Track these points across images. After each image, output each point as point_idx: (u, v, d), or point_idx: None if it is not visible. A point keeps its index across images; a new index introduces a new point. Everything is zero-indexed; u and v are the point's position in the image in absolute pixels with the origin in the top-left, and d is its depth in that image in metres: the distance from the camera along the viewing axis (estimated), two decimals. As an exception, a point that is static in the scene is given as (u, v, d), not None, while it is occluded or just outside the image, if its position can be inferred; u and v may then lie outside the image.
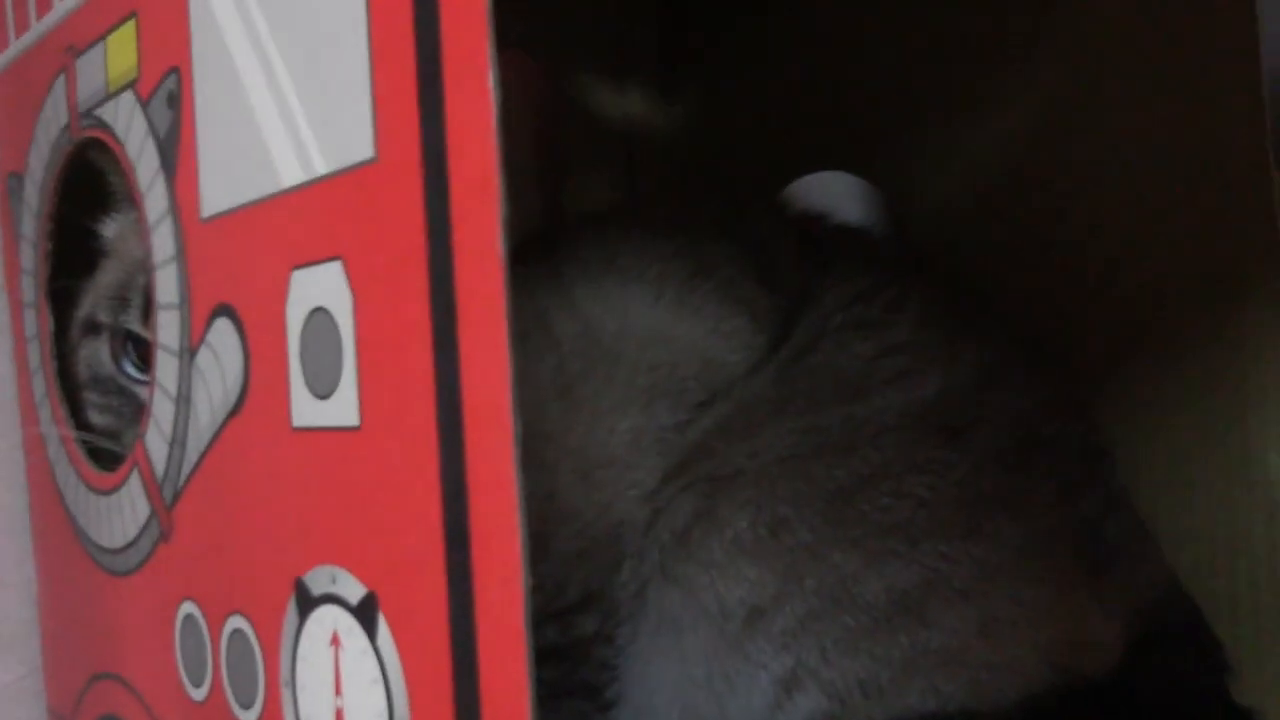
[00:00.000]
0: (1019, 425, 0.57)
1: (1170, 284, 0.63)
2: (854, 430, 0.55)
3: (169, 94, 0.46)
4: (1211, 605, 0.60)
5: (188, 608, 0.48)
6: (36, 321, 0.61)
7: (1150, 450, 0.64)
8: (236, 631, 0.44)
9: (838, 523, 0.52)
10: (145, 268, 0.50)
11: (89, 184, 0.58)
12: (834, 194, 0.82)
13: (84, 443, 0.58)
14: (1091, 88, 0.66)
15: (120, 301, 0.57)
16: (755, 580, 0.52)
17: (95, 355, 0.58)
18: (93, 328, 0.58)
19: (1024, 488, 0.55)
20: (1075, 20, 0.66)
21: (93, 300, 0.59)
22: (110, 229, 0.61)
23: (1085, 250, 0.67)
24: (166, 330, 0.48)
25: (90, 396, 0.58)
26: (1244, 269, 0.60)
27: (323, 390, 0.38)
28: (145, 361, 0.56)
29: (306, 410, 0.39)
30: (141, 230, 0.50)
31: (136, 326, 0.56)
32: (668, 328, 0.60)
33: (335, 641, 0.38)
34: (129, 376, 0.57)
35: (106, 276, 0.59)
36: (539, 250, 0.63)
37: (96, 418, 0.58)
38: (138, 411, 0.55)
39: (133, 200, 0.51)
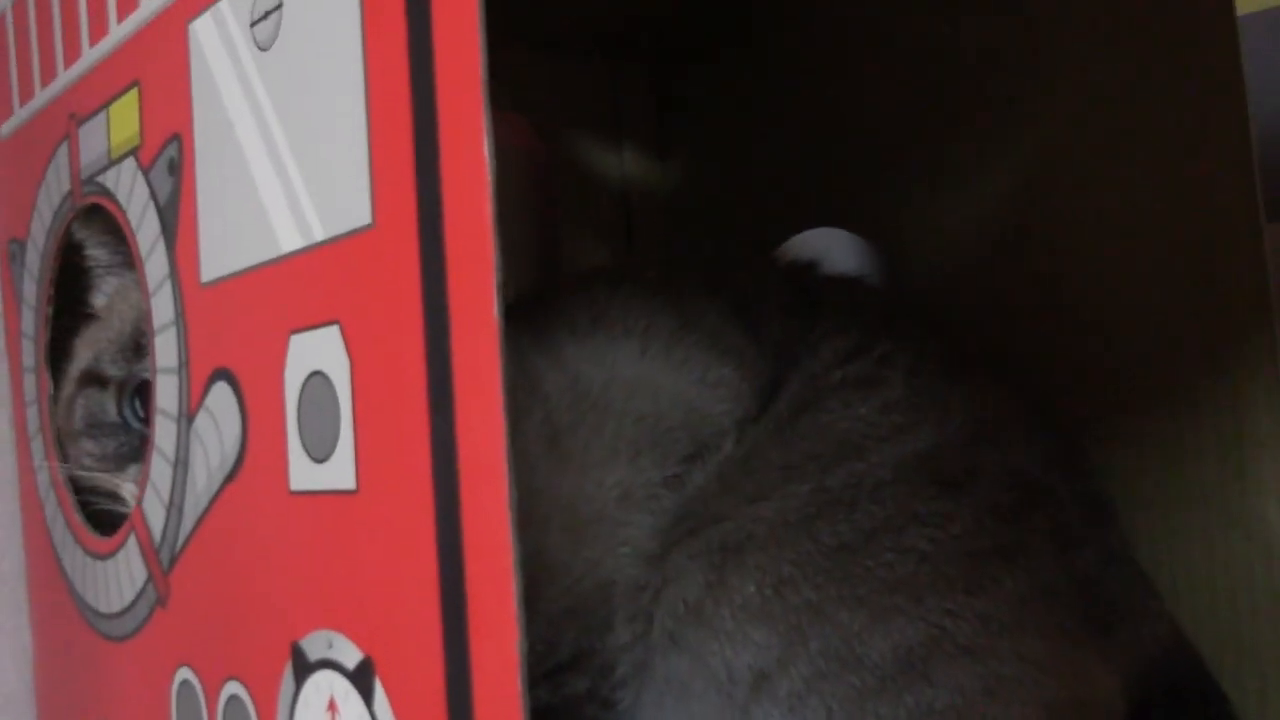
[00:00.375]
0: (1014, 478, 0.57)
1: (1163, 334, 0.63)
2: (855, 486, 0.55)
3: (170, 161, 0.47)
4: (1214, 656, 0.59)
5: (184, 673, 0.47)
6: (36, 386, 0.62)
7: (1147, 501, 0.64)
8: (233, 698, 0.44)
9: (842, 580, 0.52)
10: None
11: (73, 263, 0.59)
12: (829, 249, 0.83)
13: (82, 507, 0.58)
14: (1082, 141, 0.67)
15: (134, 351, 0.57)
16: (762, 643, 0.51)
17: (99, 405, 0.58)
18: (96, 380, 0.59)
19: (1023, 541, 0.55)
20: (1065, 74, 0.67)
21: (95, 354, 0.59)
22: (99, 299, 0.61)
23: (1078, 303, 0.67)
24: (165, 395, 0.48)
25: (86, 445, 0.58)
26: (1236, 319, 0.60)
27: (320, 454, 0.38)
28: (148, 411, 0.57)
29: (304, 474, 0.39)
30: (142, 289, 0.50)
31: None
32: (654, 378, 0.60)
33: (332, 707, 0.38)
34: (130, 427, 0.57)
35: (108, 332, 0.60)
36: (527, 310, 0.63)
37: (90, 464, 0.58)
38: (134, 451, 0.56)
39: (130, 263, 0.52)
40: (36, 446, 0.62)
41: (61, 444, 0.60)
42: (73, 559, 0.58)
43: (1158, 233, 0.63)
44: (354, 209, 0.37)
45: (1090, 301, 0.67)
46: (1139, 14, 0.63)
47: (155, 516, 0.49)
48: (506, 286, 0.32)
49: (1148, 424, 0.64)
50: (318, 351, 0.38)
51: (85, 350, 0.60)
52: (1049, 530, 0.56)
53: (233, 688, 0.44)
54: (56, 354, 0.61)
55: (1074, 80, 0.67)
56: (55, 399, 0.61)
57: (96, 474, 0.57)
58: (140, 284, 0.50)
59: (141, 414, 0.57)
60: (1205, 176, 0.61)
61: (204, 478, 0.45)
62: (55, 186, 0.58)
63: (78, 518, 0.58)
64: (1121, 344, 0.65)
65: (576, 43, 0.90)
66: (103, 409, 0.58)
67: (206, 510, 0.45)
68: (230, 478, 0.43)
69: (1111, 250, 0.66)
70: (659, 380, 0.60)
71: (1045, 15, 0.68)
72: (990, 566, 0.53)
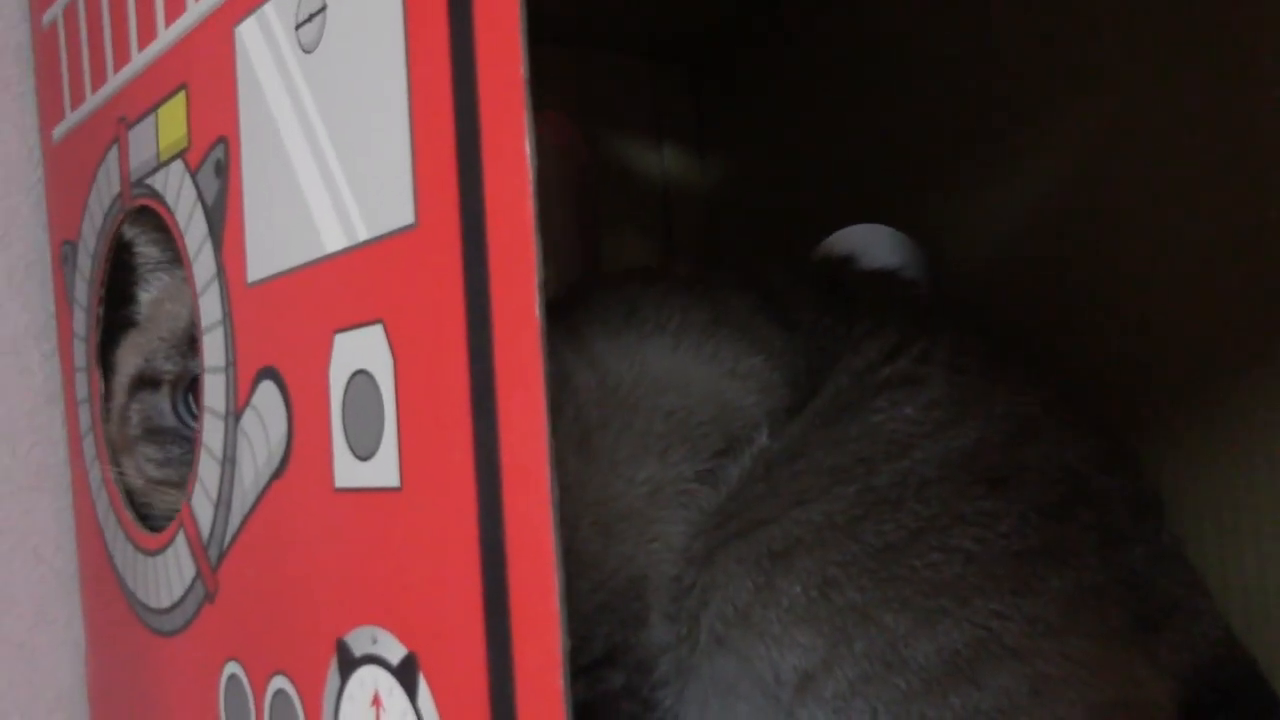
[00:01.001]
0: (1061, 476, 0.56)
1: (1209, 332, 0.62)
2: (900, 485, 0.54)
3: (217, 163, 0.48)
4: (1265, 657, 0.58)
5: (232, 668, 0.48)
6: (88, 385, 0.63)
7: (1198, 504, 0.63)
8: (279, 692, 0.44)
9: (887, 581, 0.51)
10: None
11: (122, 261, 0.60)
12: (872, 245, 0.82)
13: (132, 505, 0.59)
14: (1124, 139, 0.66)
15: (189, 344, 0.57)
16: (807, 645, 0.51)
17: (154, 408, 0.59)
18: (149, 382, 0.59)
19: (1070, 540, 0.54)
20: (1107, 70, 0.67)
21: (145, 355, 0.60)
22: (147, 294, 0.62)
23: (1119, 300, 0.66)
24: (213, 393, 0.49)
25: (146, 450, 0.59)
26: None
27: (364, 451, 0.39)
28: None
29: (348, 471, 0.40)
30: (190, 289, 0.51)
31: None
32: (684, 373, 0.60)
33: (376, 702, 0.38)
34: (188, 426, 0.58)
35: (159, 331, 0.60)
36: (559, 307, 0.63)
37: (154, 471, 0.58)
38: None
39: (177, 263, 0.52)
40: (88, 445, 0.63)
41: (116, 456, 0.61)
42: (123, 555, 0.59)
43: (1201, 230, 0.62)
44: (397, 209, 0.37)
45: (1132, 298, 0.66)
46: (1182, 9, 0.62)
47: (204, 513, 0.50)
48: (548, 284, 0.32)
49: (1195, 423, 0.63)
50: (362, 350, 0.39)
51: (131, 358, 0.61)
52: (1097, 528, 0.55)
53: (279, 682, 0.44)
54: (103, 367, 0.62)
55: (1116, 76, 0.66)
56: (107, 412, 0.61)
57: (164, 491, 0.57)
58: (189, 283, 0.51)
59: (195, 411, 0.58)
60: (1249, 175, 0.60)
61: (251, 475, 0.46)
62: (106, 189, 0.59)
63: (128, 515, 0.59)
64: (1167, 341, 0.64)
65: (617, 42, 0.90)
66: (159, 411, 0.59)
67: (253, 507, 0.46)
68: (276, 475, 0.44)
69: (1153, 247, 0.65)
70: (689, 374, 0.60)
71: (1085, 14, 0.67)
72: (1038, 566, 0.53)
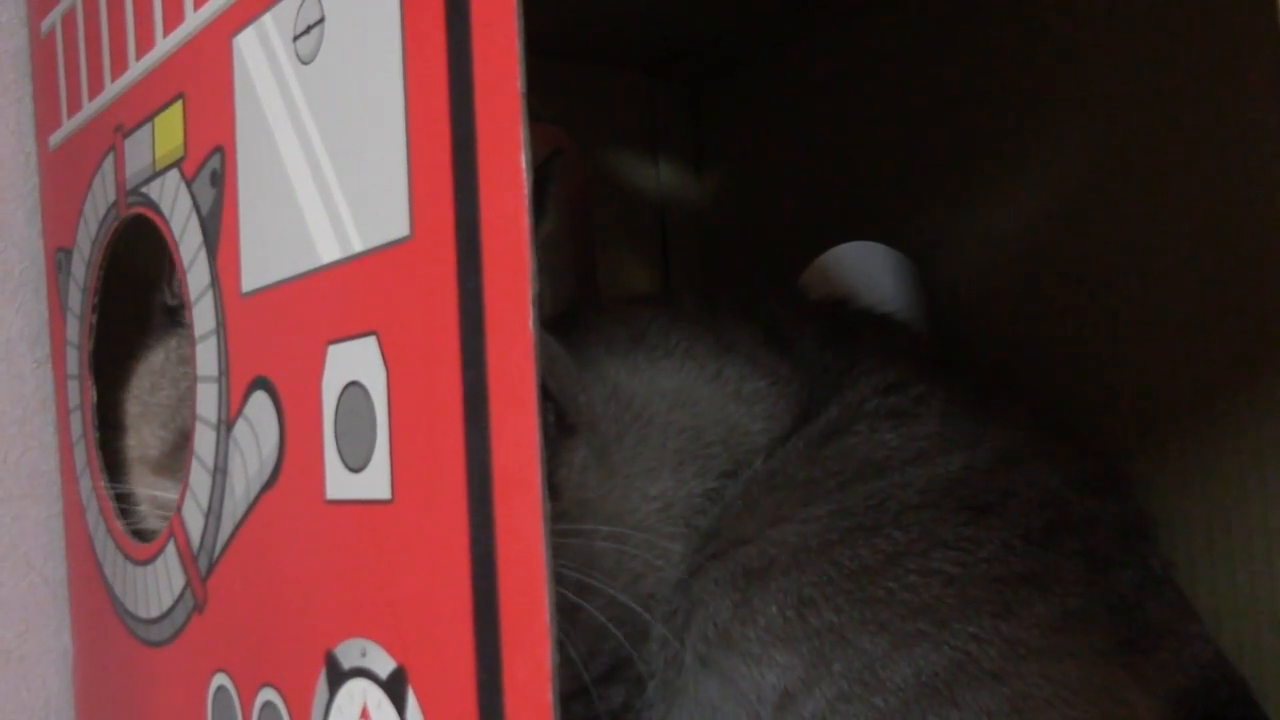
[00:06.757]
0: (1048, 504, 0.56)
1: (1203, 352, 0.62)
2: (877, 508, 0.55)
3: (213, 172, 0.48)
4: (1256, 680, 0.58)
5: (220, 679, 0.48)
6: (80, 393, 0.63)
7: (1189, 525, 0.63)
8: (268, 704, 0.44)
9: (864, 603, 0.52)
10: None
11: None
12: (865, 263, 0.82)
13: (123, 515, 0.59)
14: (1122, 156, 0.66)
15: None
16: (785, 664, 0.51)
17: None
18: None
19: (1055, 565, 0.54)
20: (1101, 91, 0.67)
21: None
22: None
23: (1117, 319, 0.66)
24: (205, 403, 0.49)
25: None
26: (1273, 337, 0.59)
27: (356, 463, 0.39)
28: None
29: (340, 483, 0.40)
30: (184, 298, 0.51)
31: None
32: (692, 390, 0.61)
33: (365, 715, 0.38)
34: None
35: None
36: (559, 332, 0.64)
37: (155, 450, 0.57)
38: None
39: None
40: (79, 453, 0.63)
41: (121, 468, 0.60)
42: (113, 564, 0.59)
43: (1192, 250, 0.62)
44: (392, 221, 0.37)
45: (1123, 319, 0.66)
46: (1176, 31, 0.63)
47: (194, 523, 0.50)
48: (542, 298, 0.32)
49: (1187, 444, 0.63)
50: (355, 362, 0.39)
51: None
52: (1083, 554, 0.56)
53: (267, 694, 0.44)
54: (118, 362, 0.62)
55: (1108, 97, 0.66)
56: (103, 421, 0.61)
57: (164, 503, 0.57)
58: (183, 295, 0.51)
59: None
60: (1241, 197, 0.60)
61: (242, 485, 0.46)
62: (101, 197, 0.59)
63: (119, 524, 0.59)
64: (1158, 362, 0.64)
65: (615, 57, 0.91)
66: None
67: (244, 517, 0.46)
68: (268, 486, 0.44)
69: (1143, 267, 0.65)
70: (698, 393, 0.60)
71: (1080, 34, 0.67)
72: (1020, 591, 0.53)
